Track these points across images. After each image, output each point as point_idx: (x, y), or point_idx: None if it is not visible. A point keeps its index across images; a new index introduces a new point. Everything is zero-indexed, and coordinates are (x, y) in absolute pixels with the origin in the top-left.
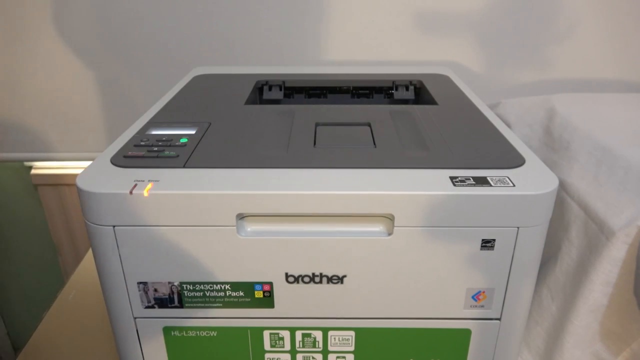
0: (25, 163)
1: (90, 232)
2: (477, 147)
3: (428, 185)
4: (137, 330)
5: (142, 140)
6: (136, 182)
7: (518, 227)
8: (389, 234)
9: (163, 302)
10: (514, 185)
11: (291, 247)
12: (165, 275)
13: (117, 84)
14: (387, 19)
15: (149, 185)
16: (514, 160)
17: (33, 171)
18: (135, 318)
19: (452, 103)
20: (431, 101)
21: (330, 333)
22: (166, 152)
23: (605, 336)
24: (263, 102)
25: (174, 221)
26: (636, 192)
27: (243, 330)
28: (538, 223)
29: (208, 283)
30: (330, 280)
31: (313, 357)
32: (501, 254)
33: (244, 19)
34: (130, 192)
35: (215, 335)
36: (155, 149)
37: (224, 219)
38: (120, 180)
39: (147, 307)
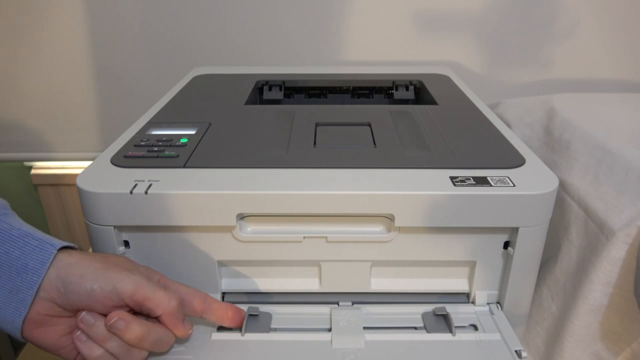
0: (25, 163)
1: (90, 232)
2: (477, 147)
3: (428, 185)
4: None
5: (142, 140)
6: (136, 182)
7: (518, 227)
8: (389, 234)
9: None
10: (514, 185)
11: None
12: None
13: (117, 84)
14: (387, 19)
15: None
16: (514, 160)
17: (33, 171)
18: None
19: (452, 103)
20: (431, 101)
21: None
22: (166, 152)
23: (605, 336)
24: (263, 102)
25: (174, 221)
26: (636, 192)
27: None
28: (538, 223)
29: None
30: None
31: None
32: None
33: (244, 19)
34: (131, 192)
35: None
36: (156, 149)
37: (224, 219)
38: (121, 180)
39: None
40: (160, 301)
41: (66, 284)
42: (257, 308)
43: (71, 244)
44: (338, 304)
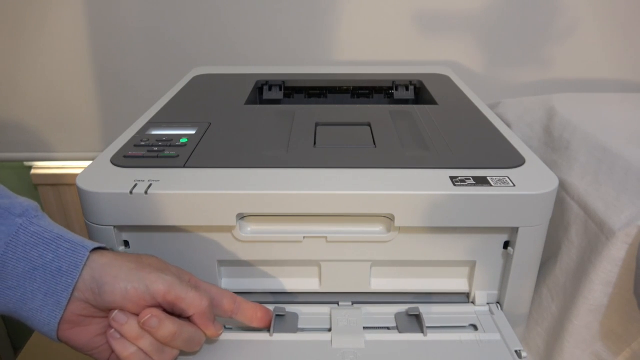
0: (25, 163)
1: (90, 232)
2: (477, 147)
3: (428, 185)
4: None
5: (142, 140)
6: (136, 182)
7: (518, 227)
8: (389, 234)
9: None
10: (514, 185)
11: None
12: None
13: (117, 84)
14: (387, 19)
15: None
16: (514, 160)
17: (33, 171)
18: None
19: (452, 103)
20: (431, 101)
21: None
22: (166, 152)
23: (605, 336)
24: (263, 102)
25: (174, 221)
26: (636, 192)
27: None
28: (538, 223)
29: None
30: None
31: None
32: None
33: (244, 19)
34: (131, 192)
35: None
36: (156, 149)
37: (224, 219)
38: (121, 180)
39: None
40: (193, 301)
41: (100, 285)
42: (284, 308)
43: (102, 245)
44: (338, 304)
